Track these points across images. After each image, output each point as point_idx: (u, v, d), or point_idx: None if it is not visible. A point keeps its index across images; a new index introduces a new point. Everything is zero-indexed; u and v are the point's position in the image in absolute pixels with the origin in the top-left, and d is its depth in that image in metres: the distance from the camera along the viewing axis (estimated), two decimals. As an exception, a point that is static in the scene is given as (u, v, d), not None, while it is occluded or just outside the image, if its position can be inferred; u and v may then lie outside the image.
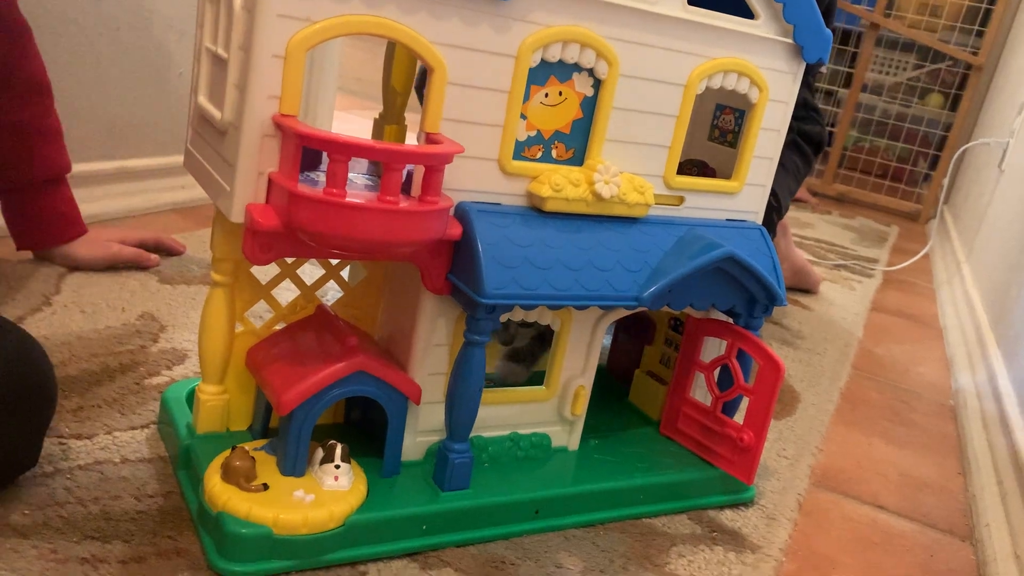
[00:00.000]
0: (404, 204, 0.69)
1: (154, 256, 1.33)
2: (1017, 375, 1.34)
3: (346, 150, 0.66)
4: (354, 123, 3.03)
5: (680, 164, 0.89)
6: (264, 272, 0.85)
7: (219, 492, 0.73)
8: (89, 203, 1.29)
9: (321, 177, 0.74)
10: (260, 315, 1.18)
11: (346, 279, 0.92)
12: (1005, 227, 1.98)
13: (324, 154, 0.75)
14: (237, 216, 0.70)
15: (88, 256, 1.26)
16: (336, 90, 2.12)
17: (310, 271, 0.93)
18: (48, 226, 1.24)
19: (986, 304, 1.87)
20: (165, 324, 1.15)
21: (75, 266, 1.26)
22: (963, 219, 2.82)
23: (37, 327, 1.07)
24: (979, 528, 1.06)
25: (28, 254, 1.28)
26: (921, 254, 2.63)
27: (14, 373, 0.71)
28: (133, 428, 0.89)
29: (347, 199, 0.66)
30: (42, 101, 1.20)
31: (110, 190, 1.54)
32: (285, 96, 0.68)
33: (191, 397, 0.87)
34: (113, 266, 1.29)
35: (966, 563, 1.00)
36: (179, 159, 1.66)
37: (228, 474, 0.74)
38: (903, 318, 2.02)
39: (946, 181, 3.03)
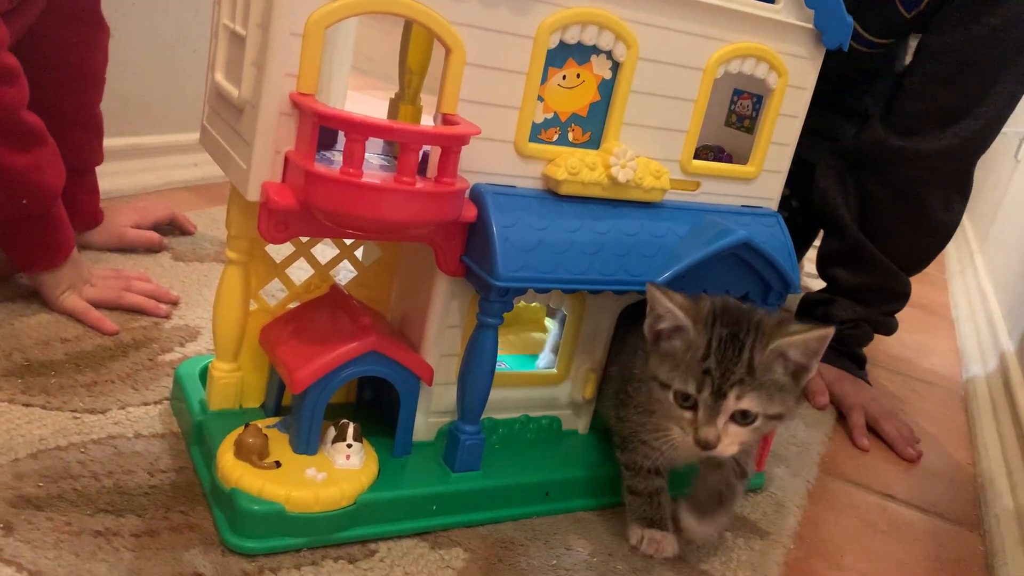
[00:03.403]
0: (420, 185, 0.69)
1: (164, 241, 1.33)
2: (1029, 367, 1.33)
3: (364, 130, 0.65)
4: (367, 103, 3.02)
5: (696, 149, 0.89)
6: (278, 251, 0.85)
7: (232, 469, 0.74)
8: (101, 179, 1.29)
9: (337, 156, 0.74)
10: (274, 294, 1.18)
11: (360, 259, 0.92)
12: (1021, 218, 1.96)
13: (340, 133, 0.76)
14: (253, 194, 0.70)
15: (101, 243, 1.27)
16: (350, 69, 2.11)
17: (324, 251, 0.93)
18: (69, 212, 1.25)
19: (999, 295, 1.86)
20: (179, 300, 1.15)
21: (86, 248, 1.26)
22: (977, 210, 2.80)
23: (51, 302, 1.08)
24: (988, 518, 1.06)
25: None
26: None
27: None
28: (146, 404, 0.90)
29: (364, 179, 0.66)
30: (97, 95, 1.24)
31: (122, 167, 1.53)
32: (303, 74, 0.68)
33: (204, 374, 0.88)
34: (124, 250, 1.29)
35: (974, 552, 1.00)
36: (193, 136, 1.65)
37: (241, 451, 0.75)
38: (915, 308, 2.01)
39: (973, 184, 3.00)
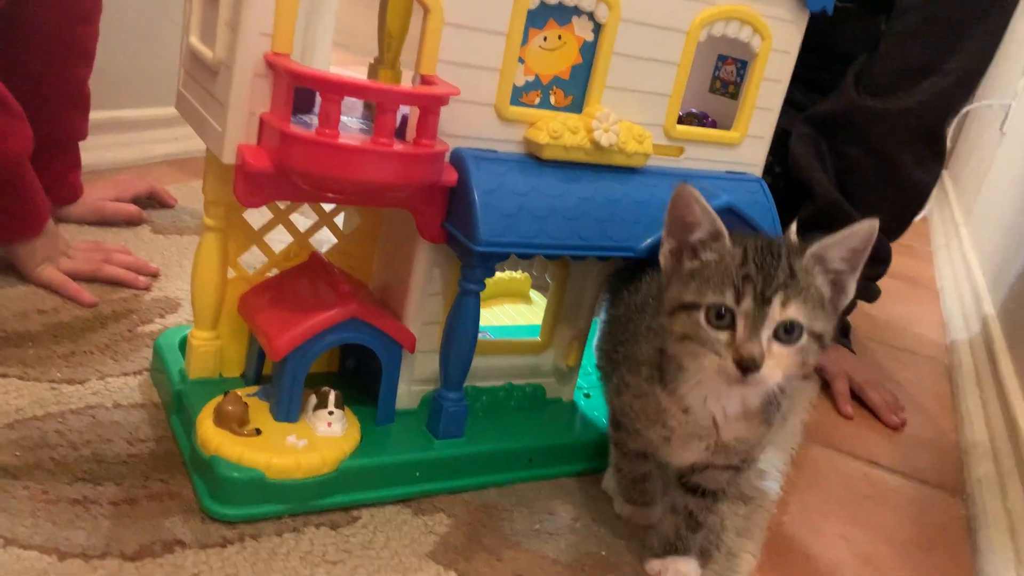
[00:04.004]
0: (398, 147, 0.68)
1: (143, 215, 1.31)
2: (1013, 335, 1.34)
3: (339, 89, 0.64)
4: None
5: (680, 116, 0.88)
6: (257, 218, 0.84)
7: (212, 436, 0.73)
8: (80, 153, 1.27)
9: (314, 120, 0.73)
10: (254, 266, 1.17)
11: (340, 227, 0.91)
12: (1005, 190, 1.97)
13: (317, 97, 0.75)
14: (229, 157, 0.69)
15: (79, 216, 1.25)
16: (332, 44, 2.09)
17: (303, 221, 0.92)
18: (49, 186, 1.23)
19: (984, 266, 1.86)
20: (159, 273, 1.14)
21: (64, 221, 1.25)
22: (962, 183, 2.81)
23: (29, 274, 1.06)
24: (970, 483, 1.07)
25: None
26: (919, 217, 2.62)
27: None
28: (125, 374, 0.89)
29: (340, 140, 0.65)
30: (86, 71, 1.24)
31: (101, 141, 1.51)
32: (278, 34, 0.66)
33: (184, 344, 0.87)
34: (103, 223, 1.27)
35: (957, 517, 1.00)
36: (173, 110, 1.64)
37: (221, 419, 0.74)
38: (900, 280, 2.01)
39: (948, 145, 3.01)
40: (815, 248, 0.65)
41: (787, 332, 0.63)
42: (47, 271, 1.03)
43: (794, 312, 0.62)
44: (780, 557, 0.85)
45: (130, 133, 1.59)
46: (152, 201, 1.38)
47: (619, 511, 0.83)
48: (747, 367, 0.61)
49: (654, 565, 0.76)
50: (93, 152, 1.48)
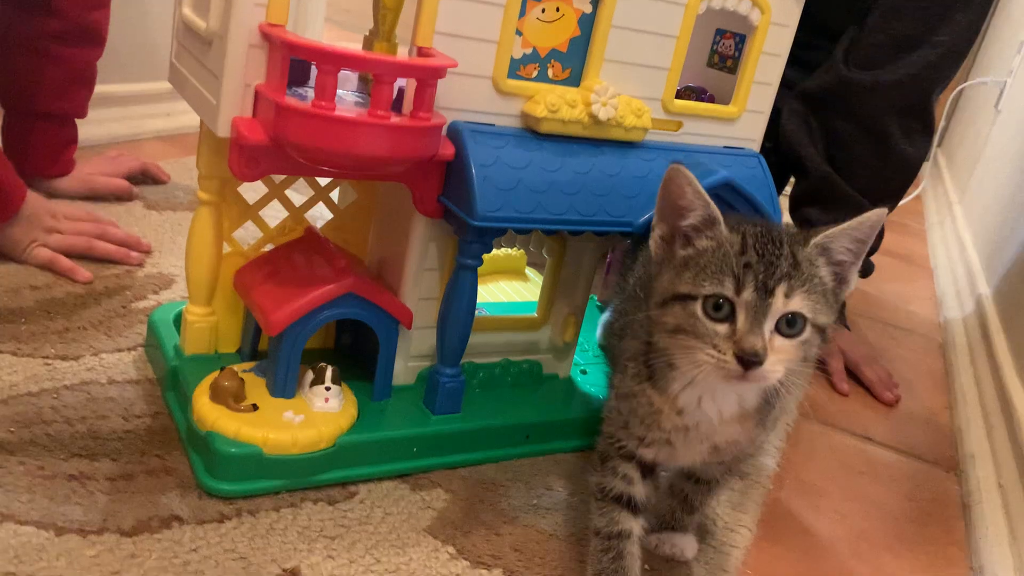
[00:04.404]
0: (395, 119, 0.67)
1: (134, 190, 1.31)
2: (1008, 313, 1.34)
3: (335, 60, 0.63)
4: (343, 55, 2.96)
5: (678, 91, 0.87)
6: (252, 193, 0.83)
7: (208, 412, 0.73)
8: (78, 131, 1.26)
9: (310, 93, 0.72)
10: (248, 242, 1.16)
11: (336, 202, 0.91)
12: (1000, 168, 1.97)
13: (312, 70, 0.74)
14: (223, 130, 0.68)
15: (69, 190, 1.24)
16: (324, 20, 2.06)
17: (298, 197, 0.91)
18: (42, 159, 1.22)
19: (978, 244, 1.86)
20: (152, 249, 1.13)
21: (54, 196, 1.24)
22: (957, 160, 2.81)
23: (20, 250, 1.05)
24: (964, 459, 1.07)
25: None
26: (913, 195, 2.63)
27: None
28: (120, 350, 0.88)
29: (336, 113, 0.64)
30: (97, 51, 1.25)
31: (92, 116, 1.48)
32: (272, 4, 0.65)
33: (179, 320, 0.86)
34: (93, 197, 1.26)
35: (950, 493, 1.01)
36: (165, 85, 1.62)
37: (217, 394, 0.74)
38: (894, 258, 2.02)
39: (943, 122, 3.01)
40: (820, 238, 0.61)
41: (790, 325, 0.59)
42: (36, 251, 1.01)
43: (798, 303, 0.59)
44: (776, 531, 0.85)
45: (122, 108, 1.57)
46: (145, 178, 1.36)
47: None
48: (749, 361, 0.57)
49: (651, 540, 0.76)
50: (84, 127, 1.45)
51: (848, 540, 0.87)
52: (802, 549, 0.84)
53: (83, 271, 1.01)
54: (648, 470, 0.70)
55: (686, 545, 0.76)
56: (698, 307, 0.60)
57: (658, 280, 0.64)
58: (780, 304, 0.58)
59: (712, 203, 0.63)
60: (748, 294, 0.58)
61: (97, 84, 1.50)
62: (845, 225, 0.61)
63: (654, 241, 0.66)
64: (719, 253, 0.61)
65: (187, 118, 1.67)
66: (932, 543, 0.90)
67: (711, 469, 0.73)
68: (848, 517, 0.91)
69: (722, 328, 0.59)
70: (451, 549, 0.71)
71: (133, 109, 1.59)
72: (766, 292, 0.58)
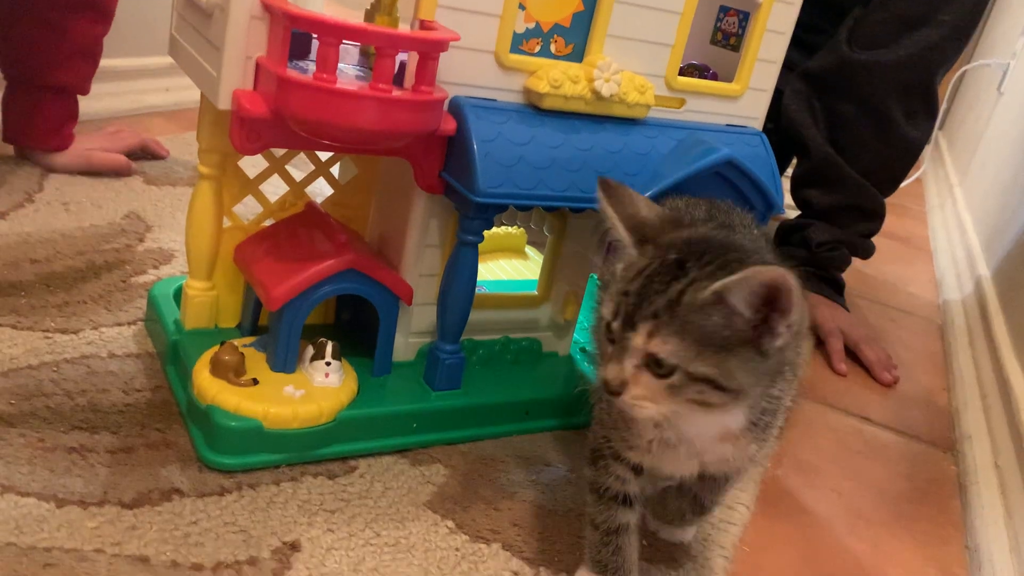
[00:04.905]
0: (397, 93, 0.66)
1: (132, 165, 1.30)
2: (1007, 296, 1.34)
3: (338, 32, 0.63)
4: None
5: (681, 68, 0.87)
6: (252, 167, 0.83)
7: (208, 386, 0.73)
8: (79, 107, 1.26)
9: (311, 66, 0.72)
10: (248, 217, 1.16)
11: (336, 177, 0.90)
12: (1002, 150, 1.96)
13: (313, 44, 0.73)
14: (224, 102, 0.67)
15: (67, 165, 1.24)
16: (325, -6, 2.05)
17: (298, 173, 0.91)
18: (41, 132, 1.22)
19: (978, 227, 1.86)
20: (151, 224, 1.13)
21: (52, 170, 1.23)
22: (958, 143, 2.80)
23: (20, 224, 1.05)
24: (961, 440, 1.08)
25: (7, 151, 1.25)
26: (913, 178, 2.62)
27: None
28: (120, 324, 0.88)
29: (338, 85, 0.64)
30: (104, 26, 1.25)
31: (92, 90, 1.48)
32: (274, -25, 0.65)
33: (179, 294, 0.86)
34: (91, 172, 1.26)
35: (948, 473, 1.01)
36: (165, 60, 1.60)
37: (217, 368, 0.74)
38: (893, 240, 2.01)
39: (944, 105, 2.99)
40: (718, 285, 0.53)
41: (657, 364, 0.54)
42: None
43: (659, 347, 0.53)
44: (774, 509, 0.86)
45: (121, 83, 1.56)
46: (144, 153, 1.36)
47: None
48: (605, 389, 0.55)
49: (651, 526, 0.75)
50: (83, 102, 1.45)
51: (845, 518, 0.87)
52: (799, 527, 0.84)
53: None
54: (639, 470, 0.66)
55: (684, 535, 0.76)
56: (603, 324, 0.58)
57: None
58: (640, 342, 0.54)
59: (620, 225, 0.59)
60: (616, 324, 0.56)
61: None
62: (738, 276, 0.52)
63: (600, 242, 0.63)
64: (620, 273, 0.58)
65: (187, 93, 1.66)
66: (928, 522, 0.90)
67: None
68: (845, 496, 0.91)
69: (609, 350, 0.57)
70: (450, 523, 0.71)
71: (133, 84, 1.58)
72: (631, 326, 0.55)
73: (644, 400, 0.55)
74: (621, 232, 0.59)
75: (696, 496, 0.71)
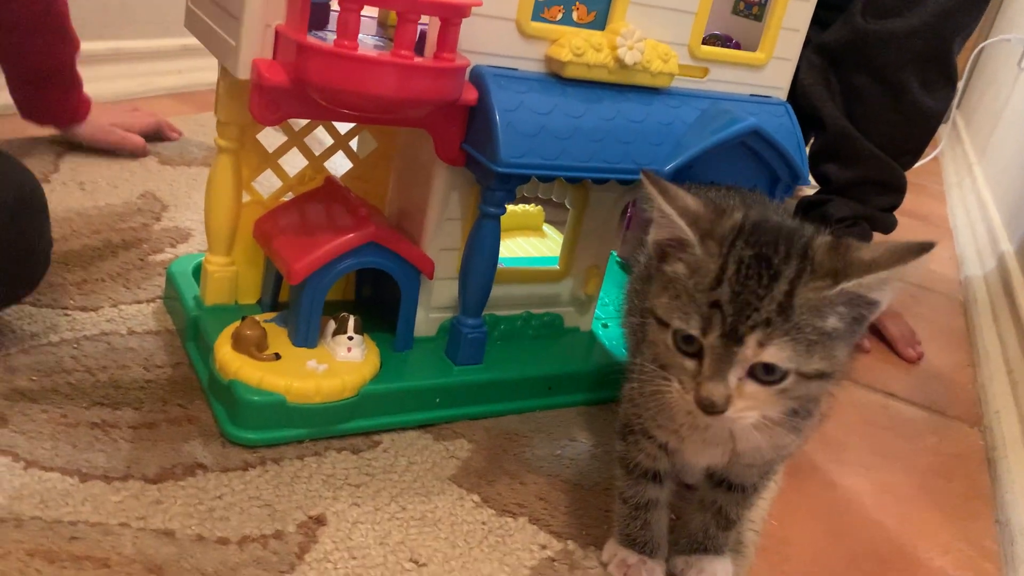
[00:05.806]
0: (419, 60, 0.65)
1: (147, 148, 1.29)
2: (1031, 269, 1.32)
3: (359, -3, 0.62)
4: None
5: (704, 38, 0.85)
6: (271, 141, 0.82)
7: (230, 360, 0.72)
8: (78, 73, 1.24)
9: (330, 36, 0.71)
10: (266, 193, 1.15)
11: (356, 151, 0.89)
12: (1022, 127, 1.93)
13: (332, 13, 0.72)
14: (243, 72, 0.66)
15: (87, 135, 1.23)
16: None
17: (317, 146, 0.90)
18: (49, 110, 1.21)
19: (999, 204, 1.84)
20: (167, 204, 1.12)
21: (76, 140, 1.23)
22: (976, 121, 2.77)
23: (36, 204, 1.04)
24: (988, 415, 1.06)
25: (25, 132, 1.24)
26: (931, 156, 2.59)
27: None
28: (138, 302, 0.88)
29: (360, 52, 0.63)
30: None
31: (103, 72, 1.48)
32: (292, -60, 0.63)
33: (197, 271, 0.86)
34: (109, 151, 1.25)
35: (975, 447, 1.00)
36: (177, 42, 1.60)
37: (239, 343, 0.73)
38: (913, 218, 1.99)
39: (962, 83, 2.95)
40: (845, 286, 0.50)
41: (767, 371, 0.51)
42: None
43: (775, 355, 0.50)
44: (801, 484, 0.84)
45: (132, 64, 1.55)
46: (156, 135, 1.35)
47: (605, 557, 0.67)
48: (707, 409, 0.51)
49: (677, 563, 0.67)
50: (94, 84, 1.44)
51: (872, 493, 0.86)
52: (827, 502, 0.83)
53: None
54: (668, 449, 0.64)
55: (718, 570, 0.67)
56: (669, 337, 0.54)
57: (653, 283, 0.58)
58: (750, 353, 0.50)
59: (680, 221, 0.54)
60: (713, 338, 0.51)
61: (109, 40, 1.49)
62: (881, 273, 0.51)
63: (651, 241, 0.57)
64: (690, 282, 0.53)
65: (199, 75, 1.65)
66: (957, 496, 0.89)
67: (746, 472, 0.64)
68: (872, 471, 0.90)
69: (690, 364, 0.53)
70: (476, 497, 0.70)
71: (144, 65, 1.58)
72: (735, 338, 0.50)
73: (749, 410, 0.52)
74: (683, 230, 0.54)
75: (721, 508, 0.66)
